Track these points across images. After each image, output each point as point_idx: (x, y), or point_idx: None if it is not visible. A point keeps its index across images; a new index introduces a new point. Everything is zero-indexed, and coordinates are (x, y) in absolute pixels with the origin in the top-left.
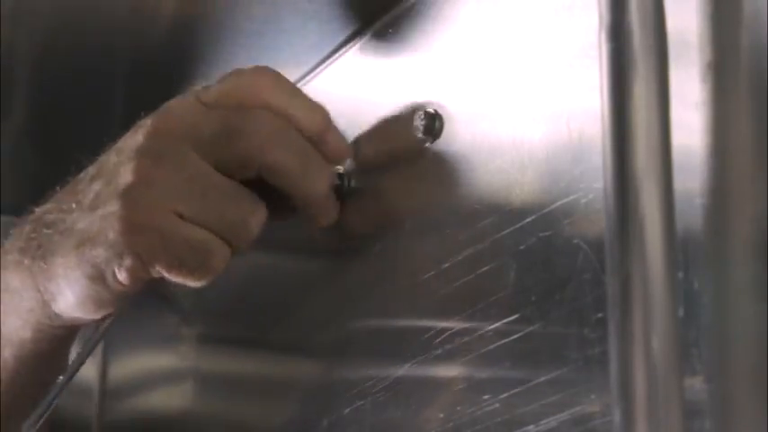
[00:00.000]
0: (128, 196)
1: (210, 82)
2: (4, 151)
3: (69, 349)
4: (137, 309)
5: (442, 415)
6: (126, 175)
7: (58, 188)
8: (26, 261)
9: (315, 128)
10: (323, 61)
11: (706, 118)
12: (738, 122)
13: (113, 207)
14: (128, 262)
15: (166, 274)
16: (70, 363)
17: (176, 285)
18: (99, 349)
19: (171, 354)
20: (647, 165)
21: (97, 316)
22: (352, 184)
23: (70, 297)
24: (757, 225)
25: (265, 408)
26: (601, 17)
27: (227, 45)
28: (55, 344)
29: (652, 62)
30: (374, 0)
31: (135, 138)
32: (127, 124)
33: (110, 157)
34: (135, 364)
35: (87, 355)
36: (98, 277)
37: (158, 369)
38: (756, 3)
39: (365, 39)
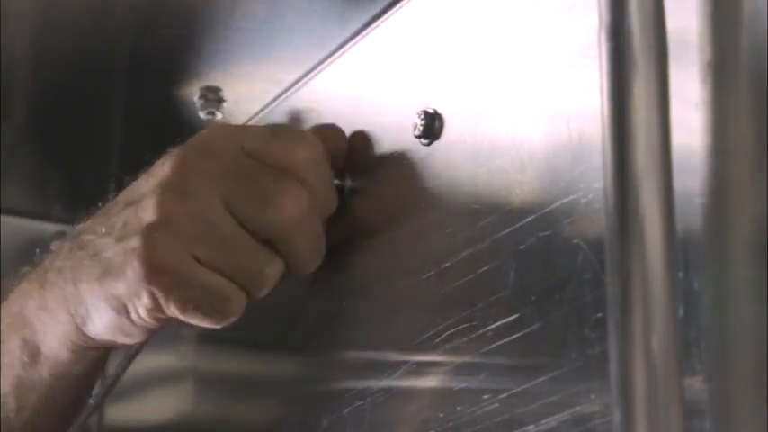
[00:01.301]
0: (149, 235)
1: (210, 82)
2: (4, 151)
3: (103, 369)
4: None
5: (441, 415)
6: (150, 212)
7: (100, 204)
8: (60, 282)
9: (330, 211)
10: (323, 61)
11: (706, 118)
12: (738, 122)
13: (135, 243)
14: (145, 301)
15: (181, 316)
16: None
17: (192, 326)
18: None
19: (171, 354)
20: (647, 165)
21: (128, 342)
22: (353, 184)
23: (99, 324)
24: (757, 225)
25: (265, 408)
26: (601, 17)
27: (227, 45)
28: (90, 364)
29: (652, 62)
30: (374, 0)
31: (165, 167)
32: (127, 124)
33: (141, 183)
34: (135, 363)
35: (118, 379)
36: (122, 310)
37: (158, 369)
38: (756, 3)
39: (365, 38)
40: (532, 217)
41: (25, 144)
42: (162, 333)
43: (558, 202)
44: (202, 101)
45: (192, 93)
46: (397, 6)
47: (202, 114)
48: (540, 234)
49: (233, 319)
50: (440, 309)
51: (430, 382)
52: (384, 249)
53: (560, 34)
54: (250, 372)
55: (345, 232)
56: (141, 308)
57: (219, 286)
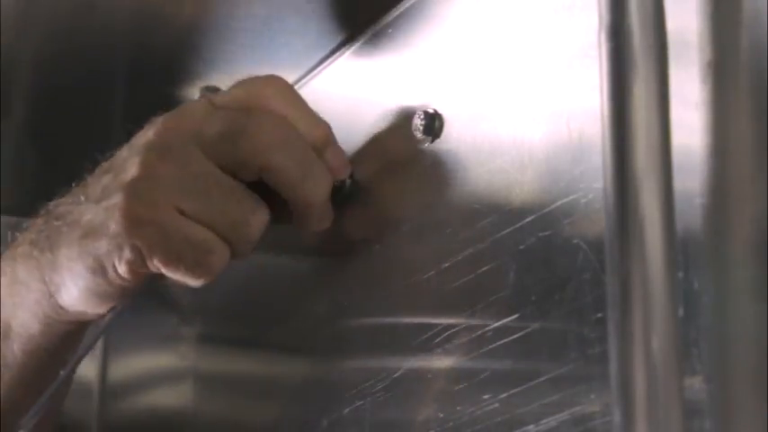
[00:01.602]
0: (131, 189)
1: (210, 82)
2: (4, 151)
3: (77, 345)
4: (137, 309)
5: (441, 415)
6: (131, 169)
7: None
8: (35, 252)
9: (317, 140)
10: (323, 61)
11: (706, 118)
12: (738, 122)
13: (117, 199)
14: (127, 254)
15: (164, 270)
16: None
17: (176, 284)
18: (99, 349)
19: (171, 354)
20: (647, 165)
21: (100, 310)
22: (352, 184)
23: (73, 289)
24: (757, 225)
25: (265, 408)
26: (601, 17)
27: (227, 45)
28: (62, 338)
29: (652, 62)
30: (374, 0)
31: (146, 134)
32: (127, 124)
33: (121, 153)
34: (135, 363)
35: (88, 350)
36: (99, 270)
37: (158, 369)
38: (756, 3)
39: (365, 39)
40: (532, 217)
41: (25, 144)
42: (162, 333)
43: (558, 202)
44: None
45: (193, 93)
46: (398, 6)
47: None
48: (540, 234)
49: (215, 274)
50: (440, 309)
51: (430, 381)
52: (384, 249)
53: (560, 34)
54: (250, 372)
55: (345, 232)
56: (122, 263)
57: (204, 239)
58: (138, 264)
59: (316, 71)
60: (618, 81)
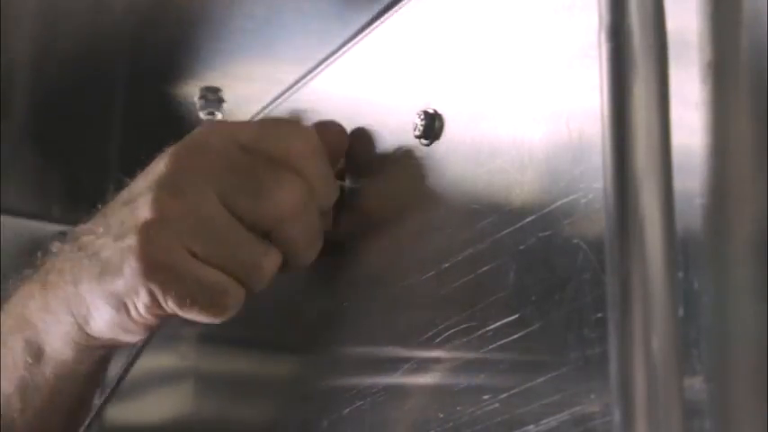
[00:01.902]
0: (145, 233)
1: (210, 82)
2: (4, 151)
3: (107, 368)
4: None
5: (441, 415)
6: (144, 209)
7: (99, 205)
8: (61, 283)
9: (329, 202)
10: (323, 61)
11: (706, 118)
12: (738, 122)
13: (131, 241)
14: (143, 297)
15: (179, 312)
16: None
17: (194, 322)
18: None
19: (171, 354)
20: (647, 165)
21: (132, 339)
22: (352, 184)
23: (99, 322)
24: (757, 225)
25: (265, 408)
26: (601, 17)
27: (226, 45)
28: (94, 362)
29: (652, 62)
30: (374, 0)
31: (160, 166)
32: (127, 124)
33: (137, 182)
34: (135, 363)
35: (122, 379)
36: (121, 308)
37: (158, 369)
38: (756, 3)
39: (365, 39)
40: (532, 217)
41: (25, 144)
42: (162, 333)
43: (558, 203)
44: (202, 101)
45: (192, 93)
46: (397, 6)
47: (202, 114)
48: (540, 234)
49: (231, 313)
50: (440, 309)
51: (430, 382)
52: (384, 249)
53: (560, 34)
54: (250, 372)
55: (345, 232)
56: (140, 305)
57: (217, 281)
58: (154, 306)
59: (316, 71)
60: (618, 81)
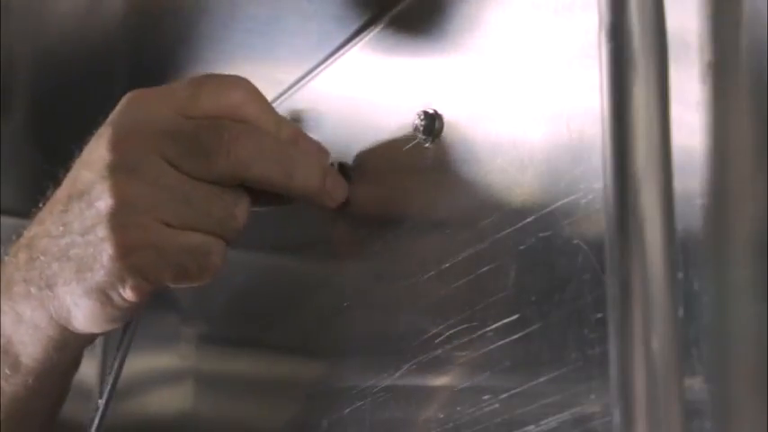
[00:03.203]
0: (113, 220)
1: None
2: (4, 151)
3: (82, 352)
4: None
5: (441, 415)
6: (105, 197)
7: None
8: (33, 290)
9: (289, 136)
10: (323, 61)
11: (706, 118)
12: (738, 122)
13: (102, 232)
14: (131, 282)
15: (170, 283)
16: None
17: (180, 289)
18: (99, 349)
19: (171, 354)
20: (647, 165)
21: (115, 326)
22: (340, 168)
23: (82, 319)
24: (757, 225)
25: (265, 408)
26: (601, 17)
27: (226, 45)
28: (73, 359)
29: (652, 62)
30: (374, 0)
31: (100, 150)
32: None
33: (80, 173)
34: (135, 364)
35: (123, 360)
36: (105, 299)
37: (158, 369)
38: (756, 3)
39: (365, 39)
40: (532, 217)
41: (25, 144)
42: (162, 333)
43: (558, 203)
44: None
45: None
46: (398, 6)
47: None
48: (540, 234)
49: (217, 271)
50: (440, 309)
51: (430, 382)
52: (384, 249)
53: (560, 34)
54: (250, 372)
55: (345, 232)
56: (127, 290)
57: (198, 243)
58: (143, 285)
59: (316, 71)
60: (618, 81)
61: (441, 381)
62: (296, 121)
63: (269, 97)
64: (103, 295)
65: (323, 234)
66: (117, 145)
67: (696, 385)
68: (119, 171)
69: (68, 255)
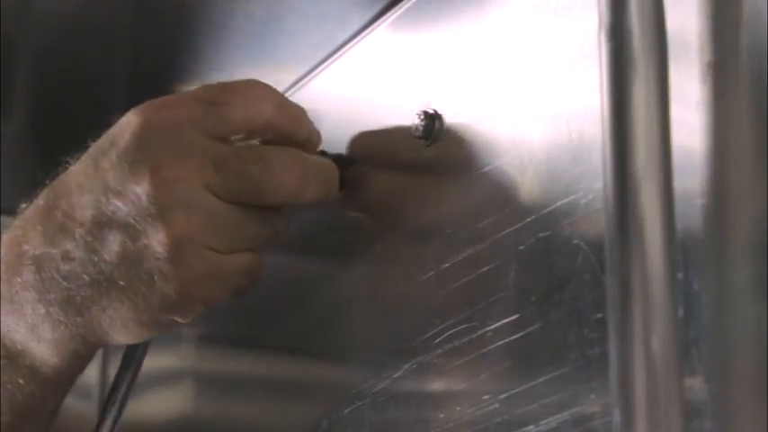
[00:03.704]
0: (172, 258)
1: (210, 82)
2: (5, 151)
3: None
4: None
5: (441, 415)
6: (160, 237)
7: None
8: (53, 311)
9: (315, 143)
10: (323, 61)
11: (706, 118)
12: (738, 122)
13: (164, 268)
14: (196, 310)
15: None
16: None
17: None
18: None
19: (171, 354)
20: (647, 165)
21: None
22: (351, 185)
23: (123, 337)
24: (757, 225)
25: (265, 408)
26: (600, 17)
27: (226, 45)
28: (83, 366)
29: (652, 62)
30: (374, 0)
31: (140, 182)
32: None
33: (111, 203)
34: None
35: (140, 364)
36: (156, 323)
37: (158, 369)
38: (756, 3)
39: (365, 39)
40: (532, 217)
41: (25, 144)
42: (162, 333)
43: (558, 203)
44: None
45: None
46: (397, 6)
47: None
48: (540, 234)
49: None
50: (440, 309)
51: (430, 382)
52: (384, 249)
53: (560, 34)
54: (250, 372)
55: (345, 232)
56: (189, 315)
57: (249, 262)
58: (198, 309)
59: (316, 71)
60: (618, 81)
61: (440, 381)
62: None
63: None
64: (154, 320)
65: (323, 234)
66: (160, 179)
67: (696, 385)
68: (170, 209)
69: (110, 283)
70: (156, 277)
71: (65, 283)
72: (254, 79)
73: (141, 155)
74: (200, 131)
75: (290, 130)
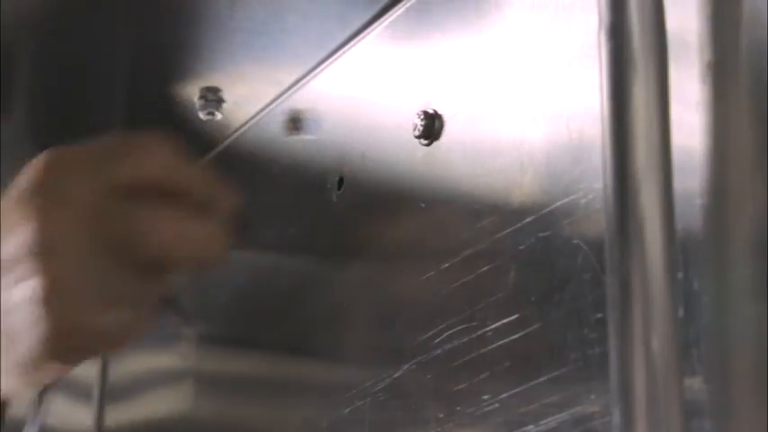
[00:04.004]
0: (50, 302)
1: (210, 82)
2: (5, 151)
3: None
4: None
5: (441, 415)
6: (37, 280)
7: None
8: None
9: (202, 198)
10: (322, 61)
11: (706, 118)
12: (738, 122)
13: (38, 313)
14: (76, 359)
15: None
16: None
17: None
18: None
19: (171, 354)
20: (647, 165)
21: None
22: (350, 186)
23: (6, 387)
24: (757, 225)
25: (265, 408)
26: (600, 17)
27: (226, 45)
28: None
29: (652, 62)
30: (374, 0)
31: (22, 223)
32: (127, 124)
33: (3, 244)
34: (135, 364)
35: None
36: (37, 371)
37: (158, 369)
38: (756, 3)
39: (365, 39)
40: (532, 217)
41: (25, 144)
42: (162, 333)
43: (558, 203)
44: (202, 101)
45: (192, 93)
46: (397, 6)
47: (202, 115)
48: (540, 234)
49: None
50: (440, 309)
51: (430, 381)
52: (384, 249)
53: (560, 34)
54: (250, 372)
55: (345, 232)
56: (70, 365)
57: (123, 320)
58: (67, 369)
59: (315, 72)
60: (618, 81)
61: (440, 380)
62: (296, 121)
63: (269, 97)
64: (37, 367)
65: (323, 234)
66: (44, 222)
67: (696, 385)
68: (49, 253)
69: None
70: (31, 322)
71: None
72: (160, 137)
73: (34, 198)
74: (95, 182)
75: (181, 189)
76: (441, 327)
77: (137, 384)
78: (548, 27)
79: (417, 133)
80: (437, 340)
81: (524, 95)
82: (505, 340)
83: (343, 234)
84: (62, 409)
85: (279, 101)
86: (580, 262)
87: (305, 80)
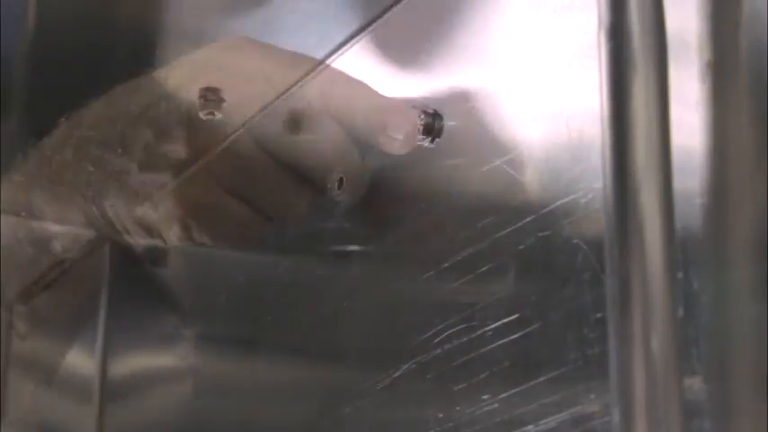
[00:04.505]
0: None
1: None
2: (4, 151)
3: None
4: (137, 308)
5: (441, 415)
6: (178, 146)
7: None
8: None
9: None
10: (322, 61)
11: (706, 118)
12: (738, 122)
13: (167, 180)
14: (176, 230)
15: (210, 243)
16: None
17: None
18: (99, 349)
19: (171, 354)
20: (646, 165)
21: None
22: (349, 187)
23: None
24: (757, 225)
25: (265, 408)
26: (600, 17)
27: None
28: None
29: (652, 62)
30: (374, 0)
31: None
32: None
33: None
34: (135, 364)
35: None
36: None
37: (158, 369)
38: (756, 3)
39: (365, 39)
40: (532, 217)
41: (25, 144)
42: (162, 333)
43: (558, 202)
44: (202, 101)
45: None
46: (397, 6)
47: (202, 114)
48: (540, 234)
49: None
50: (439, 309)
51: (429, 381)
52: (383, 249)
53: (560, 34)
54: (250, 372)
55: (344, 232)
56: (173, 235)
57: (246, 216)
58: (185, 236)
59: (315, 71)
60: (618, 81)
61: (440, 380)
62: (296, 121)
63: (269, 97)
64: (151, 228)
65: (322, 234)
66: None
67: (696, 385)
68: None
69: (124, 180)
70: (162, 189)
71: (98, 163)
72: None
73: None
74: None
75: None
76: (440, 327)
77: (137, 384)
78: (547, 27)
79: (417, 133)
80: (437, 340)
81: (524, 95)
82: (505, 340)
83: (343, 234)
84: (62, 408)
85: (279, 101)
86: (580, 262)
87: (305, 80)
